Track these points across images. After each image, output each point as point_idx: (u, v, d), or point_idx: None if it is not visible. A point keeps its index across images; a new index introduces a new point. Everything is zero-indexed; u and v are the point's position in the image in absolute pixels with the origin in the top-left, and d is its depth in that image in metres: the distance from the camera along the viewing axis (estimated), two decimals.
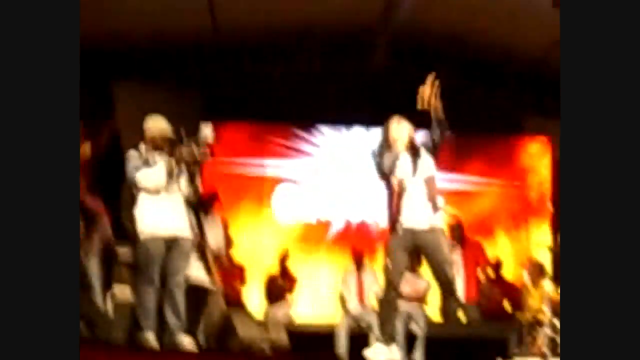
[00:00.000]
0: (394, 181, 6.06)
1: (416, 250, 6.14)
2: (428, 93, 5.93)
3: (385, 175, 6.08)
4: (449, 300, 6.40)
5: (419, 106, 5.97)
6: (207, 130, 6.21)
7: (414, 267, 9.87)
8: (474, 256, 10.18)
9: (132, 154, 6.22)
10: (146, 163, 6.14)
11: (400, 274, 6.08)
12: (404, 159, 6.06)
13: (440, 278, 6.12)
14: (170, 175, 6.12)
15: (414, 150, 6.07)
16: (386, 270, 6.10)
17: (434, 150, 6.08)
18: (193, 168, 6.25)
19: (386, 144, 6.13)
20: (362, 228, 11.15)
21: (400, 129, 6.12)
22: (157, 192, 6.13)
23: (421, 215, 6.00)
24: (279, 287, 10.05)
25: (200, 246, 6.96)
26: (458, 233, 9.98)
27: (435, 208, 6.01)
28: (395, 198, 6.06)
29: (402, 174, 6.04)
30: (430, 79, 5.95)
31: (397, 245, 6.05)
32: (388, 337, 6.08)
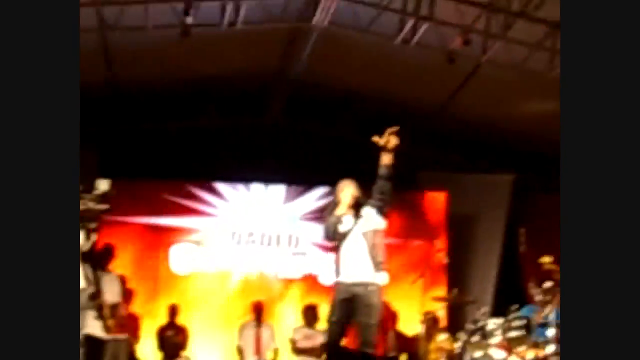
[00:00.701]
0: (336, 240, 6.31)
1: (349, 302, 6.21)
2: (395, 141, 6.17)
3: (328, 236, 6.36)
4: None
5: (379, 141, 6.18)
6: (103, 186, 6.15)
7: (310, 322, 9.95)
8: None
9: None
10: None
11: (339, 326, 6.22)
12: (347, 219, 6.28)
13: (362, 335, 6.20)
14: None
15: (357, 209, 6.29)
16: (328, 323, 6.30)
17: (383, 205, 6.28)
18: (89, 224, 6.18)
19: (334, 207, 6.38)
20: (261, 281, 11.15)
21: (344, 191, 6.35)
22: None
23: (356, 269, 6.18)
24: (170, 339, 10.00)
25: (96, 300, 6.90)
26: None
27: (377, 266, 6.19)
28: (336, 256, 6.32)
29: (345, 231, 6.26)
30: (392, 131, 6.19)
31: (335, 300, 6.25)
32: None
